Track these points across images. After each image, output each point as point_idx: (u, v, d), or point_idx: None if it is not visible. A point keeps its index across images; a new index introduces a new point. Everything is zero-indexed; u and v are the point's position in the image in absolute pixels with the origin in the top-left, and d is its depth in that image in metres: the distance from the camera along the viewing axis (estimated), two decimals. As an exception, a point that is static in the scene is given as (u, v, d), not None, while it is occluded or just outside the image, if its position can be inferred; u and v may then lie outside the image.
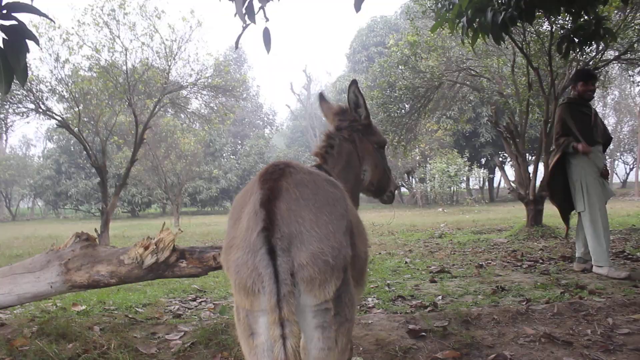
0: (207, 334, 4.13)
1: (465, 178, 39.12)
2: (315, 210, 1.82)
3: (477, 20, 5.78)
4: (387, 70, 14.55)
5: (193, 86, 15.86)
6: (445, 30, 9.92)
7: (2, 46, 2.01)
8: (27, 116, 14.23)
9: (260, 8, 3.33)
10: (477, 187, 44.70)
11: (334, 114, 3.14)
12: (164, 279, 3.84)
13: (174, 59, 14.55)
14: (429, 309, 4.85)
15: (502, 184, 43.61)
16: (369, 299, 5.50)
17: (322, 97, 3.33)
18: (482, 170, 38.12)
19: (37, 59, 13.53)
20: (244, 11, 3.10)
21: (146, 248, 3.57)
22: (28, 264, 3.75)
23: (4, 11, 1.97)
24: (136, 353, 3.89)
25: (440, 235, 12.82)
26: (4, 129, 15.07)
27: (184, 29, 14.89)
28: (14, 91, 12.47)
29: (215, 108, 17.51)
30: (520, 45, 10.49)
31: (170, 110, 19.23)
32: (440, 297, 5.39)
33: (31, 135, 62.31)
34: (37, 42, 2.07)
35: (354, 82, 2.99)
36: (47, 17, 2.12)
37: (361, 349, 3.82)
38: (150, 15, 13.74)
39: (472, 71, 13.55)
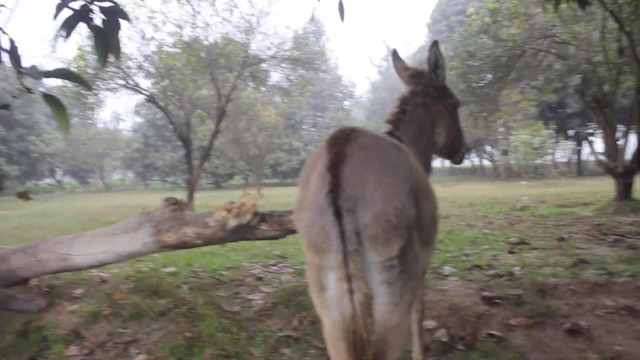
0: (287, 295, 4.36)
1: (550, 151, 37.48)
2: (379, 172, 1.91)
3: (563, -15, 5.55)
4: (467, 40, 14.13)
5: (272, 59, 16.09)
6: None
7: (100, 25, 2.23)
8: (117, 91, 15.02)
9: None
10: (564, 160, 42.77)
11: (409, 76, 3.16)
12: (245, 241, 4.06)
13: (254, 32, 14.82)
14: (504, 278, 4.84)
15: (591, 157, 41.47)
16: (445, 268, 5.54)
17: (396, 54, 3.35)
18: (569, 143, 36.39)
19: (125, 37, 14.22)
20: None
21: (229, 211, 3.80)
22: (123, 226, 4.10)
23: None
24: (221, 310, 4.18)
25: (521, 208, 12.50)
26: (97, 104, 16.01)
27: (263, 2, 15.11)
28: (105, 68, 13.22)
29: (295, 80, 17.70)
30: (611, 9, 9.87)
31: (250, 83, 19.62)
32: (517, 268, 5.34)
33: (121, 110, 65.51)
34: (128, 19, 2.27)
35: (434, 43, 3.00)
36: None
37: (435, 313, 3.90)
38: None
39: (557, 38, 12.89)
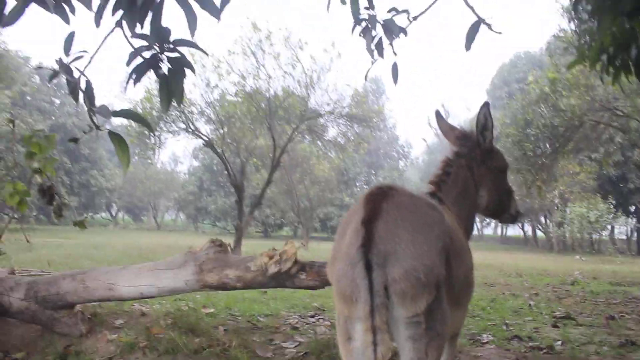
0: (320, 346, 4.36)
1: (608, 226, 36.13)
2: (412, 230, 1.99)
3: (620, 57, 5.54)
4: (525, 108, 14.11)
5: (330, 115, 16.50)
6: (591, 69, 9.48)
7: (166, 73, 2.44)
8: (178, 134, 15.69)
9: (388, 44, 3.57)
10: (623, 236, 41.05)
11: (456, 138, 3.21)
12: (284, 288, 4.14)
13: (314, 88, 15.32)
14: (543, 351, 4.69)
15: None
16: (484, 335, 5.40)
17: (439, 115, 3.38)
18: (629, 219, 35.05)
19: (190, 84, 15.00)
20: (372, 47, 3.35)
21: (271, 258, 3.90)
22: (169, 262, 4.25)
23: (171, 46, 2.41)
24: (253, 354, 4.22)
25: (572, 283, 12.03)
26: (158, 145, 16.75)
27: (325, 59, 15.62)
28: (169, 112, 13.90)
29: (351, 137, 18.01)
30: (675, 85, 9.70)
31: (307, 136, 20.08)
32: (559, 343, 5.15)
33: (179, 153, 67.79)
34: (193, 70, 2.46)
35: (485, 105, 3.02)
36: (203, 51, 2.53)
37: (467, 379, 3.83)
38: (294, 46, 14.65)
39: (618, 111, 12.71)
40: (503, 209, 3.24)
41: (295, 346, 4.52)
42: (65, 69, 2.31)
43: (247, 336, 4.67)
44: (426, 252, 1.95)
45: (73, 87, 2.27)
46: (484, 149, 3.10)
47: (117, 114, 2.30)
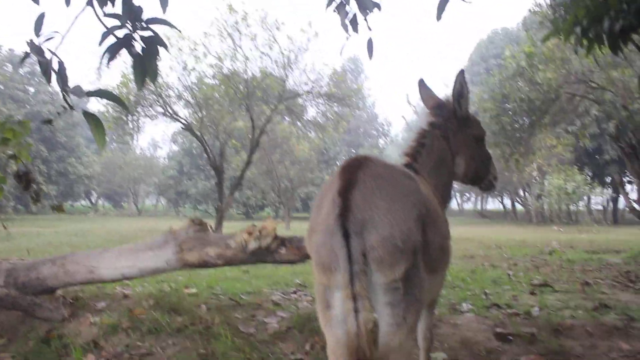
0: (302, 320, 4.42)
1: (586, 197, 36.78)
2: (388, 199, 2.02)
3: (593, 29, 5.60)
4: (502, 82, 14.20)
5: (308, 94, 16.44)
6: (565, 41, 9.52)
7: (140, 52, 2.43)
8: (156, 118, 15.53)
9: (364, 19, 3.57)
10: (599, 207, 41.84)
11: (431, 107, 3.25)
12: (267, 265, 4.18)
13: (291, 68, 15.23)
14: (521, 317, 4.81)
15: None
16: (464, 305, 5.53)
17: (422, 83, 3.37)
18: (605, 190, 35.69)
19: (166, 67, 14.80)
20: (347, 23, 3.36)
21: (250, 234, 3.92)
22: (149, 243, 4.26)
23: (144, 24, 2.39)
24: (236, 331, 4.27)
25: (550, 252, 12.29)
26: (136, 130, 16.58)
27: (302, 39, 15.51)
28: (146, 95, 13.74)
29: (330, 117, 17.98)
30: (648, 56, 9.83)
31: (287, 117, 20.01)
32: (536, 309, 5.28)
33: (158, 138, 67.20)
34: (166, 48, 2.45)
35: (461, 72, 3.04)
36: (176, 28, 2.52)
37: (446, 345, 3.92)
38: (271, 26, 14.51)
39: (593, 83, 12.85)
40: (482, 176, 3.28)
41: (278, 321, 4.57)
42: (37, 50, 2.29)
43: (230, 313, 4.72)
44: (403, 219, 1.99)
45: (45, 68, 2.25)
46: (461, 117, 3.13)
47: (91, 93, 2.29)
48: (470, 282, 7.27)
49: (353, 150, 56.64)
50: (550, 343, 3.91)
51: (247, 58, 14.59)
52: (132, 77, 13.55)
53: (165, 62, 16.50)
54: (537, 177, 34.65)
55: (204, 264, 4.06)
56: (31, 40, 2.22)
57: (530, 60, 12.68)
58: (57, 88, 2.42)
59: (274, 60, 15.02)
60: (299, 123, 20.99)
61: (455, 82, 3.08)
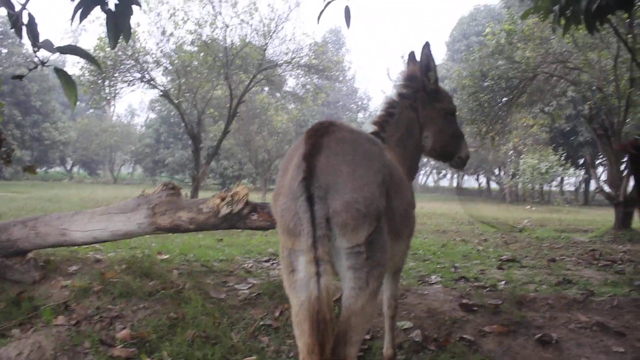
0: (273, 287, 4.48)
1: (559, 178, 37.37)
2: (353, 164, 2.06)
3: (571, 8, 5.63)
4: (481, 60, 14.22)
5: (288, 65, 16.30)
6: (545, 22, 9.56)
7: (113, 9, 2.40)
8: (133, 85, 15.28)
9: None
10: (572, 188, 42.59)
11: (403, 79, 3.28)
12: (239, 233, 4.22)
13: (271, 37, 15.05)
14: (487, 289, 4.94)
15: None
16: (432, 277, 5.65)
17: (412, 56, 3.33)
18: (577, 171, 36.28)
19: (144, 32, 14.54)
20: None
21: (223, 199, 3.95)
22: (121, 206, 4.26)
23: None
24: (207, 296, 4.31)
25: (520, 230, 12.56)
26: (112, 96, 16.29)
27: (283, 8, 15.31)
28: (123, 60, 13.49)
29: (310, 88, 17.87)
30: (625, 38, 9.93)
31: (266, 88, 19.83)
32: (503, 282, 5.43)
33: (136, 105, 66.16)
34: (139, 5, 2.43)
35: (426, 45, 3.07)
36: None
37: (412, 314, 4.02)
38: (252, -8, 14.28)
39: (570, 64, 12.97)
40: (451, 152, 3.31)
41: (249, 287, 4.63)
42: (6, 2, 2.25)
43: (201, 279, 4.76)
44: (366, 184, 2.02)
45: (14, 21, 2.21)
46: (430, 90, 3.17)
47: (61, 49, 2.26)
48: (441, 256, 7.42)
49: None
50: (513, 314, 4.04)
51: (227, 25, 14.37)
52: (107, 41, 13.38)
53: (144, 26, 16.22)
54: (512, 156, 35.03)
55: (176, 228, 4.09)
56: (1, -4, 2.19)
57: (510, 38, 12.71)
58: (31, 49, 2.38)
59: (254, 29, 14.85)
60: (278, 94, 20.85)
61: (422, 55, 3.11)
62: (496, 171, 40.75)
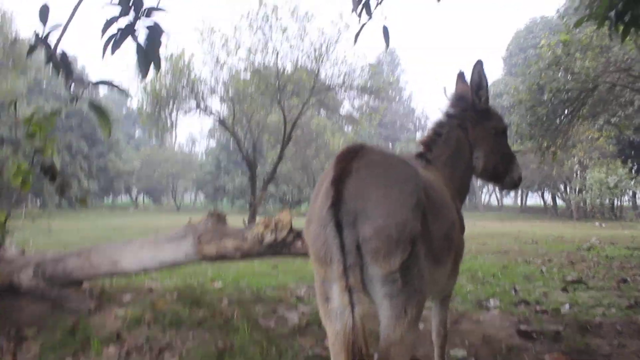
0: (323, 316, 4.38)
1: (630, 191, 35.54)
2: (383, 187, 1.96)
3: (630, 12, 5.35)
4: (538, 73, 13.77)
5: (340, 87, 16.35)
6: (604, 29, 9.15)
7: (141, 41, 2.44)
8: (189, 113, 15.70)
9: (377, 4, 3.51)
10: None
11: (451, 100, 3.18)
12: (294, 260, 4.18)
13: (322, 60, 15.15)
14: (549, 314, 4.67)
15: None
16: (491, 301, 5.41)
17: (461, 76, 3.28)
18: (649, 184, 34.42)
19: (199, 62, 14.94)
20: (359, 9, 3.30)
21: (267, 227, 3.91)
22: (169, 235, 4.29)
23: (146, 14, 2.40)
24: (255, 324, 4.27)
25: (588, 248, 11.92)
26: (169, 125, 16.78)
27: (333, 32, 15.40)
28: (178, 90, 13.91)
29: (365, 109, 17.84)
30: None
31: (323, 111, 19.97)
32: (567, 306, 5.12)
33: (196, 133, 68.13)
34: (167, 36, 2.45)
35: (478, 63, 2.97)
36: (174, 15, 2.51)
37: (467, 342, 3.83)
38: (301, 19, 14.47)
39: (633, 71, 12.33)
40: (502, 173, 3.17)
41: (299, 316, 4.56)
42: (42, 41, 2.31)
43: (251, 307, 4.73)
44: (398, 208, 1.93)
45: (48, 58, 2.27)
46: (480, 110, 3.05)
47: (94, 83, 2.30)
48: (501, 278, 7.13)
49: (390, 144, 56.27)
50: (575, 341, 3.79)
51: (277, 51, 14.58)
52: (164, 71, 13.86)
53: (198, 56, 16.70)
54: (578, 171, 33.70)
55: (222, 257, 4.07)
56: (36, 32, 2.25)
57: (567, 49, 12.24)
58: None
59: (305, 53, 14.99)
60: (333, 117, 20.92)
61: (473, 73, 3.01)
62: (561, 187, 39.27)
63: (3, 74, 15.34)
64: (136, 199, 57.72)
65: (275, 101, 15.46)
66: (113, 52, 2.40)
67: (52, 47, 2.28)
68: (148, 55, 2.40)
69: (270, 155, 34.51)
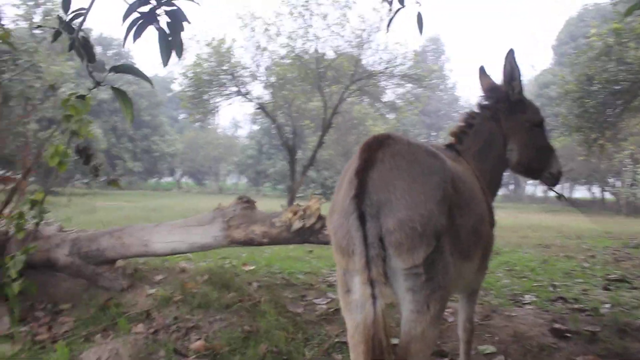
0: (351, 303, 4.34)
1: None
2: (409, 179, 1.90)
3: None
4: (587, 62, 13.24)
5: (381, 75, 16.16)
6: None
7: (164, 27, 2.41)
8: (230, 98, 15.81)
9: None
10: None
11: (484, 91, 3.09)
12: (309, 244, 4.13)
13: (363, 47, 14.98)
14: (586, 313, 4.50)
15: None
16: (527, 296, 5.26)
17: (482, 71, 3.22)
18: None
19: (239, 48, 14.98)
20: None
21: (295, 213, 3.89)
22: (199, 219, 4.32)
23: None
24: (283, 309, 4.27)
25: (636, 246, 11.47)
26: (210, 110, 16.94)
27: (374, 18, 15.20)
28: (219, 75, 14.00)
29: (407, 98, 17.61)
30: None
31: (365, 98, 19.82)
32: (607, 305, 4.92)
33: (240, 117, 68.75)
34: (188, 21, 2.41)
35: (510, 52, 2.87)
36: (193, 1, 2.45)
37: (497, 338, 3.73)
38: (342, 5, 14.32)
39: (691, 63, 11.71)
40: (539, 167, 3.07)
41: (327, 302, 4.54)
42: (65, 26, 2.31)
43: (280, 292, 4.73)
44: (423, 201, 1.87)
45: (71, 44, 2.27)
46: (513, 101, 2.95)
47: (115, 69, 2.30)
48: (540, 273, 6.92)
49: (433, 133, 55.54)
50: (613, 344, 3.63)
51: (317, 37, 14.49)
52: (205, 56, 13.98)
53: (240, 42, 16.82)
54: (628, 165, 32.48)
55: (250, 242, 4.07)
56: (59, 17, 2.25)
57: (619, 37, 11.71)
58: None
59: (346, 40, 14.85)
60: (377, 104, 20.74)
61: (505, 63, 2.91)
62: (610, 180, 37.96)
63: (52, 58, 15.73)
64: (179, 180, 58.78)
65: (316, 87, 15.39)
66: (135, 40, 2.39)
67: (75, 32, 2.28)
68: (169, 41, 2.38)
69: (311, 141, 34.58)
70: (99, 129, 33.83)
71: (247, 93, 15.45)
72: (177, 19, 2.34)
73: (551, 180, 3.12)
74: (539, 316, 4.24)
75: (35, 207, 4.38)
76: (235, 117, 75.08)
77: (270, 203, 25.30)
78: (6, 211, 4.65)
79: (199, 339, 3.77)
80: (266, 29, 14.33)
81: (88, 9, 2.24)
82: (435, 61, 53.07)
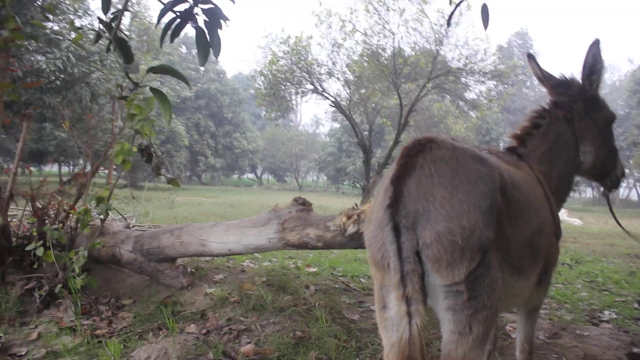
0: (409, 312, 4.15)
1: None
2: (450, 187, 1.72)
3: None
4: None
5: (460, 71, 15.64)
6: None
7: (202, 25, 2.35)
8: (306, 95, 15.86)
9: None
10: None
11: (553, 86, 2.81)
12: (364, 249, 3.97)
13: (442, 43, 14.55)
14: (676, 335, 4.06)
15: None
16: (606, 312, 4.84)
17: (531, 57, 2.96)
18: None
19: (315, 45, 14.95)
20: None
21: (349, 217, 3.75)
22: (254, 220, 4.27)
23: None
24: (338, 315, 4.14)
25: None
26: (289, 109, 17.07)
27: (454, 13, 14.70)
28: (295, 72, 14.06)
29: (490, 94, 16.96)
30: None
31: (446, 96, 19.35)
32: None
33: (321, 115, 69.36)
34: (227, 19, 2.33)
35: (595, 42, 2.59)
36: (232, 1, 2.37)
37: (563, 359, 3.42)
38: (419, 1, 13.96)
39: None
40: (609, 169, 2.82)
41: (385, 310, 4.36)
42: (106, 27, 2.30)
43: (337, 297, 4.61)
44: (466, 211, 1.69)
45: (108, 45, 2.26)
46: (589, 98, 2.67)
47: (153, 69, 2.26)
48: (625, 286, 6.36)
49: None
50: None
51: (393, 33, 14.22)
52: (281, 54, 14.07)
53: (316, 39, 16.78)
54: None
55: (304, 245, 3.98)
56: (99, 18, 2.24)
57: None
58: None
59: (424, 36, 14.47)
60: (456, 101, 20.17)
61: (588, 54, 2.62)
62: None
63: (138, 57, 16.48)
64: (260, 176, 60.06)
65: (392, 85, 15.13)
66: (172, 40, 2.34)
67: (113, 34, 2.26)
68: (207, 40, 2.31)
69: (390, 139, 34.19)
70: (181, 126, 35.13)
71: (323, 90, 15.44)
72: (215, 17, 2.27)
73: (615, 183, 2.88)
74: (616, 337, 3.85)
75: (100, 204, 4.49)
76: (316, 114, 75.84)
77: (348, 201, 25.23)
78: (77, 207, 4.82)
79: (249, 342, 3.70)
80: (342, 26, 14.24)
81: (122, 10, 2.22)
82: (522, 57, 50.95)
